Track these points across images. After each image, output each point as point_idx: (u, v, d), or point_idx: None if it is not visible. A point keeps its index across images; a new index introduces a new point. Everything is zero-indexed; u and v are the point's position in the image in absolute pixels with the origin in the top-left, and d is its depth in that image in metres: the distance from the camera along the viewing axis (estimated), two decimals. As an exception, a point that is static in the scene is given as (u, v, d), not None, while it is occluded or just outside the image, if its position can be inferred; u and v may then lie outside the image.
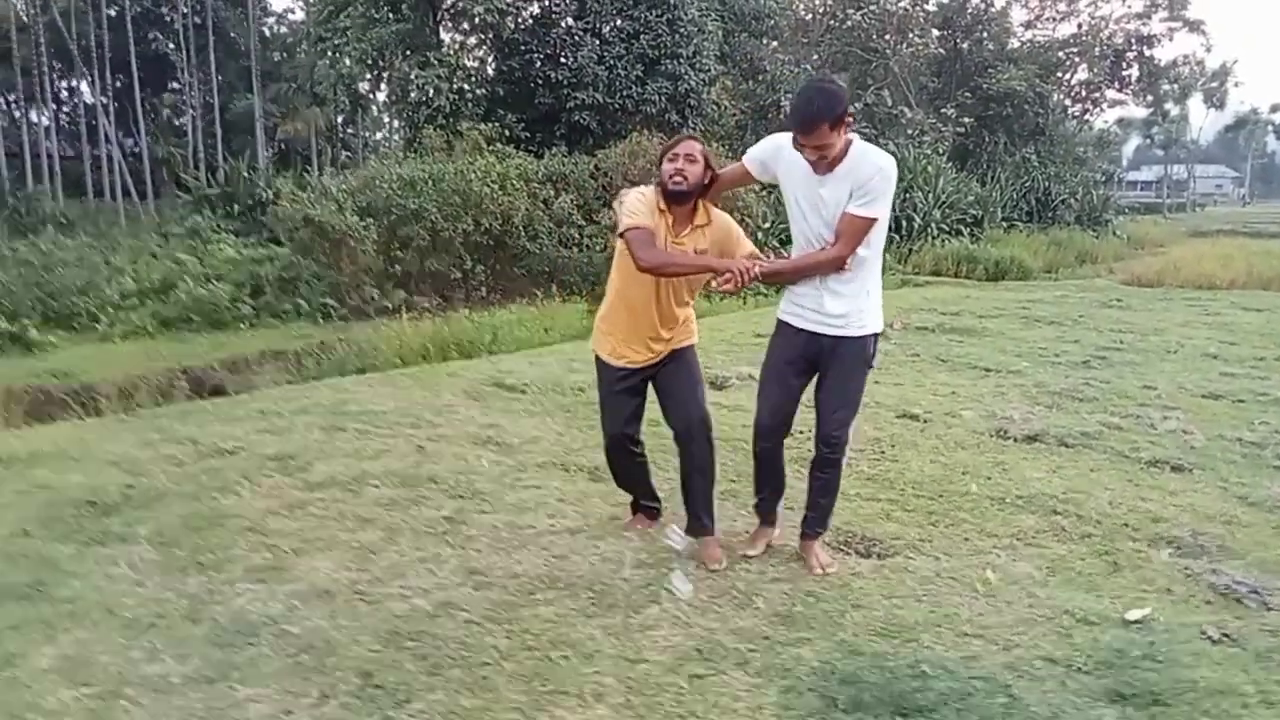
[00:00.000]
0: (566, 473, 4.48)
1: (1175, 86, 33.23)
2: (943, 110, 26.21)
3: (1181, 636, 2.88)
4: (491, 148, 15.02)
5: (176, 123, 36.12)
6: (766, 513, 3.60)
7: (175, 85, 36.05)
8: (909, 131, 23.80)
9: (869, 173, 3.03)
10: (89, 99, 33.85)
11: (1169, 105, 35.31)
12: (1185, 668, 2.68)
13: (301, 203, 12.42)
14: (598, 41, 17.34)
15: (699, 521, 3.49)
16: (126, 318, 11.30)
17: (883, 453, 4.70)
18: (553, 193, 14.47)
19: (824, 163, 3.03)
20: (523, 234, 13.76)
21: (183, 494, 4.06)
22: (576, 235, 14.40)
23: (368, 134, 37.32)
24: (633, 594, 3.16)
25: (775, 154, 3.24)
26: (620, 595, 3.15)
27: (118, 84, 33.32)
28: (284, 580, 3.23)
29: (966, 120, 26.65)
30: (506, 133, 16.60)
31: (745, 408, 5.83)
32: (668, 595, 3.15)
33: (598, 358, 3.51)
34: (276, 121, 32.16)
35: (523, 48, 18.02)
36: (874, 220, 3.06)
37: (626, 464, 3.64)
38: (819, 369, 3.30)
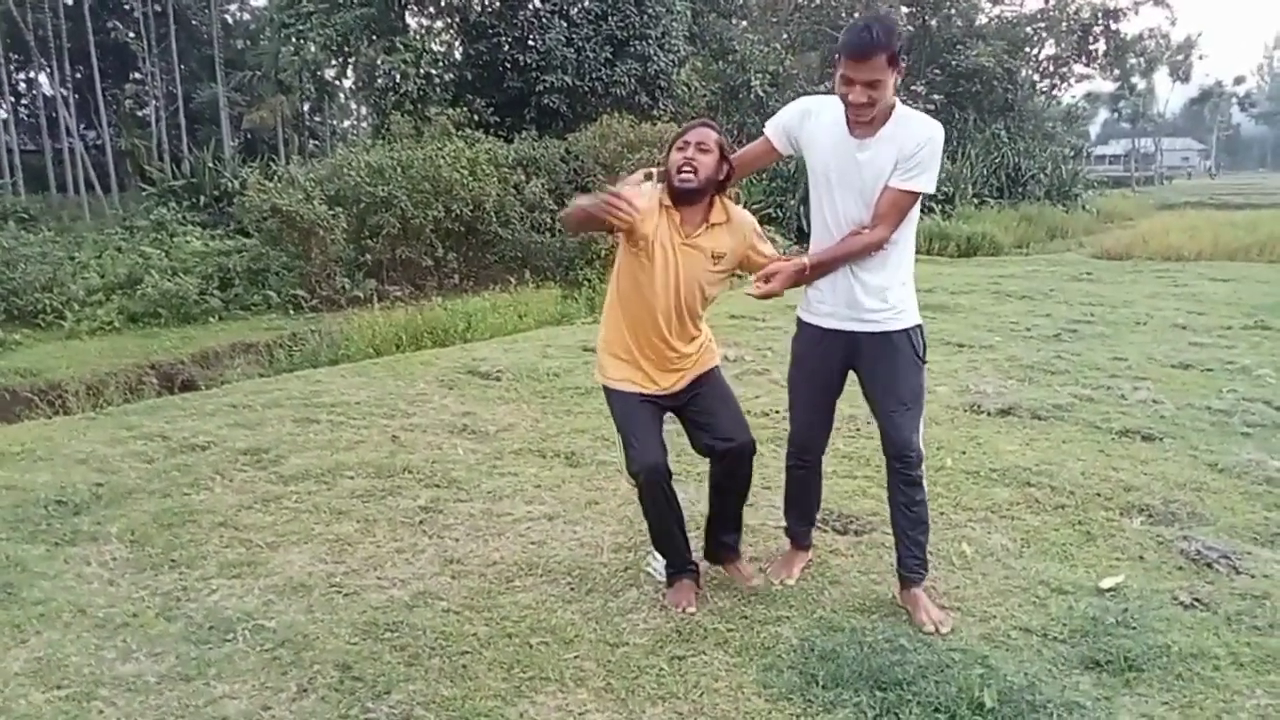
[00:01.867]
0: (543, 459, 4.47)
1: (1141, 60, 33.49)
2: (912, 88, 26.28)
3: (1154, 603, 2.92)
4: (460, 133, 14.87)
5: (139, 114, 35.45)
6: (798, 536, 3.21)
7: (137, 76, 35.35)
8: (879, 109, 23.80)
9: (917, 140, 2.63)
10: (48, 91, 33.10)
11: (1135, 79, 35.62)
12: (1158, 633, 2.72)
13: (269, 193, 12.21)
14: (565, 24, 17.19)
15: (732, 549, 3.13)
16: (93, 314, 11.10)
17: (858, 429, 4.72)
18: (523, 177, 14.35)
19: (868, 116, 2.60)
20: (494, 220, 13.64)
21: (154, 491, 4.01)
22: (549, 220, 14.30)
23: (335, 122, 36.86)
24: (611, 578, 3.16)
25: (801, 118, 2.82)
26: (599, 579, 3.15)
27: (77, 75, 32.64)
28: (259, 575, 3.20)
29: (936, 97, 26.73)
30: (475, 117, 16.44)
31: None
32: (646, 578, 3.15)
33: (605, 387, 2.95)
34: (242, 111, 31.67)
35: (490, 31, 17.83)
36: (919, 196, 2.69)
37: (666, 507, 2.90)
38: (860, 373, 2.88)
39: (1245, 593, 2.98)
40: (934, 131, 2.65)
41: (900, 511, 2.88)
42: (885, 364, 2.80)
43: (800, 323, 2.98)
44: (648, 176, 2.89)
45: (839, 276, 2.79)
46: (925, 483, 2.89)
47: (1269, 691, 2.44)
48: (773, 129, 2.88)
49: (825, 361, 2.90)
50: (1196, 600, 2.93)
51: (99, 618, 2.90)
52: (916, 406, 2.82)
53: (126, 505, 3.84)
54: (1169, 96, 64.00)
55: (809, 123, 2.79)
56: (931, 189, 2.68)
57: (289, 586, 3.10)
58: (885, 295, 2.77)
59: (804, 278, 2.78)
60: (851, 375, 2.93)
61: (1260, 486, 3.98)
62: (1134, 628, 2.76)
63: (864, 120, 2.62)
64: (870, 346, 2.80)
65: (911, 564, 2.87)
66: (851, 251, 2.74)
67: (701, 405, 2.96)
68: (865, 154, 2.67)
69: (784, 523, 3.26)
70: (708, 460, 3.01)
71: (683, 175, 2.74)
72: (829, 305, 2.84)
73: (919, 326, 2.83)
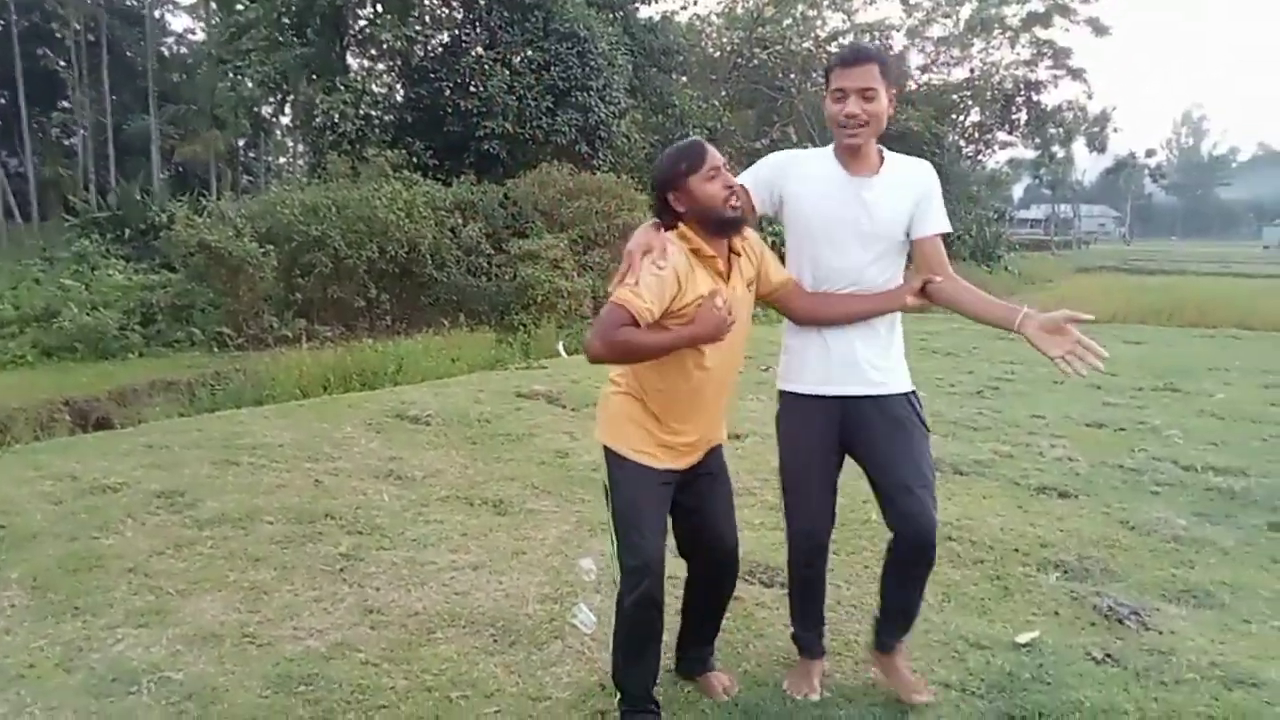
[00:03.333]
0: (470, 506, 4.41)
1: (1060, 130, 35.01)
2: (845, 147, 27.09)
3: (1068, 658, 2.99)
4: (398, 174, 14.80)
5: (66, 143, 34.56)
6: (809, 645, 2.77)
7: (65, 104, 34.47)
8: (813, 167, 24.46)
9: (924, 177, 2.49)
10: (-31, 116, 32.14)
11: (1055, 148, 37.21)
12: (1071, 688, 2.78)
13: (197, 227, 11.95)
14: (508, 72, 17.33)
15: (706, 663, 2.78)
16: (4, 346, 10.64)
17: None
18: (461, 221, 14.33)
19: (861, 136, 2.37)
20: (430, 262, 13.56)
21: (60, 534, 3.84)
22: (485, 264, 14.26)
23: (270, 158, 36.38)
24: (536, 629, 3.12)
25: (782, 169, 2.53)
26: (523, 631, 3.10)
27: (2, 100, 31.75)
28: (168, 624, 3.07)
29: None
30: (414, 160, 16.38)
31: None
32: (572, 630, 3.11)
33: (613, 453, 2.41)
34: (174, 144, 31.06)
35: (432, 75, 17.87)
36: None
37: (656, 620, 2.43)
38: (860, 450, 2.52)
39: (1153, 648, 3.07)
40: (929, 167, 2.55)
41: (904, 578, 2.55)
42: (895, 431, 2.47)
43: (786, 396, 2.60)
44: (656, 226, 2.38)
45: (832, 334, 2.49)
46: None
47: (1175, 746, 2.51)
48: (751, 183, 2.52)
49: (823, 437, 2.53)
50: (1108, 655, 3.01)
51: (-9, 669, 2.75)
52: (933, 482, 2.49)
53: (29, 549, 3.67)
54: (1086, 166, 66.98)
55: (793, 173, 2.52)
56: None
57: (199, 636, 2.98)
58: (888, 353, 2.54)
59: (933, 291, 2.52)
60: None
61: (1168, 544, 4.12)
62: (1049, 683, 2.81)
63: (857, 141, 2.38)
64: (873, 414, 2.49)
65: (891, 627, 2.65)
66: (981, 300, 2.55)
67: (702, 489, 2.51)
68: (872, 194, 2.43)
69: (786, 618, 2.90)
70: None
71: (733, 206, 2.32)
72: (820, 369, 2.51)
73: (914, 392, 2.59)
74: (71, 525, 3.94)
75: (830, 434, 2.52)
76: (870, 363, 2.49)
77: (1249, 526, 4.37)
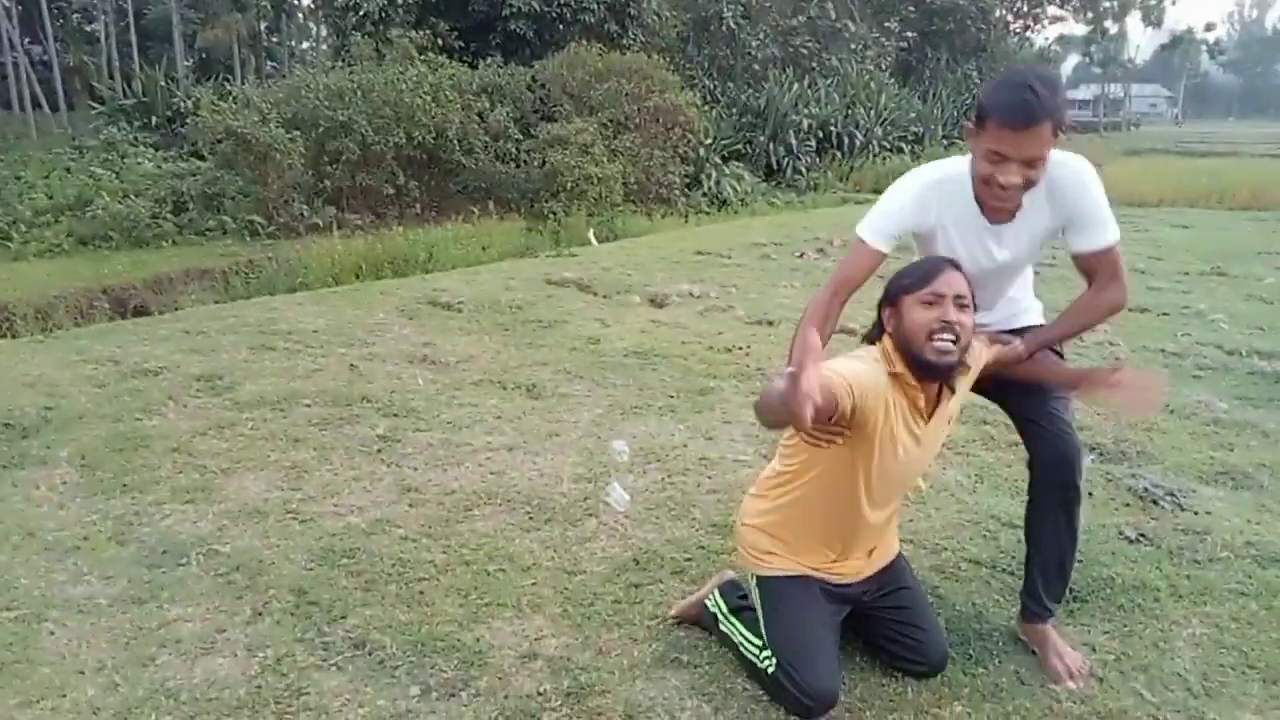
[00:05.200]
0: (504, 390, 4.44)
1: (1114, 3, 33.31)
2: (886, 24, 25.97)
3: (1100, 537, 2.99)
4: (423, 57, 14.42)
5: (88, 29, 33.97)
6: None
7: (84, -13, 33.82)
8: (852, 46, 23.56)
9: (1071, 195, 2.12)
10: (-11, 2, 31.62)
11: (1108, 23, 35.46)
12: (1103, 565, 2.79)
13: (223, 114, 11.79)
14: (534, -54, 16.68)
15: None
16: (40, 235, 10.75)
17: (819, 366, 4.74)
18: (488, 105, 14.02)
19: (1016, 202, 2.09)
20: (457, 148, 13.34)
21: (105, 415, 3.93)
22: (513, 150, 14.02)
23: (293, 42, 35.64)
24: (570, 507, 3.17)
25: (917, 218, 2.19)
26: (558, 509, 3.15)
27: (20, -15, 31.14)
28: (213, 501, 3.16)
29: (909, 35, 26.45)
30: (439, 41, 15.96)
31: (684, 324, 5.83)
32: (605, 508, 3.16)
33: (764, 578, 2.19)
34: (196, 28, 30.43)
35: (455, -49, 17.26)
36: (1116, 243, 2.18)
37: None
38: (996, 380, 2.30)
39: (1188, 528, 3.07)
40: (1080, 164, 2.13)
41: (1054, 536, 2.29)
42: (1033, 358, 2.27)
43: None
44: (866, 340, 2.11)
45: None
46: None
47: (1204, 621, 2.52)
48: (882, 238, 2.19)
49: None
50: (1141, 535, 3.01)
51: (49, 541, 2.85)
52: (1071, 404, 2.30)
53: (77, 429, 3.76)
54: (1140, 42, 63.99)
55: (929, 217, 2.18)
56: (1117, 233, 2.18)
57: (243, 512, 3.07)
58: (1022, 291, 2.41)
59: (1018, 362, 2.24)
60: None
61: (1208, 427, 4.07)
62: (1080, 560, 2.80)
63: (1008, 207, 2.11)
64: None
65: (1052, 598, 2.35)
66: (1087, 322, 2.30)
67: (899, 602, 2.22)
68: (1003, 242, 2.17)
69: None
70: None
71: (941, 344, 1.94)
72: None
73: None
74: (115, 407, 4.03)
75: None
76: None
77: (1292, 410, 4.30)
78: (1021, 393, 2.29)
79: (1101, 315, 2.27)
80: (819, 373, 1.69)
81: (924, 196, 2.19)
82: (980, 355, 2.17)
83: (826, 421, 1.94)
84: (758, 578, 2.21)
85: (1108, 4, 32.94)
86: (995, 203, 2.09)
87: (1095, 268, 2.19)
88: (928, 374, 1.99)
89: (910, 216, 2.19)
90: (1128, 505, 3.26)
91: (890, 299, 2.05)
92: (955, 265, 2.04)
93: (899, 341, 2.00)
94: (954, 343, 1.95)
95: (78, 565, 2.72)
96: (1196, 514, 3.18)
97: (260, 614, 2.48)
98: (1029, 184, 2.01)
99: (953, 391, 2.08)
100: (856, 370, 1.97)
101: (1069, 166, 2.11)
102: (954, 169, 2.19)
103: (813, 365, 1.64)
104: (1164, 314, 6.29)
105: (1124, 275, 2.19)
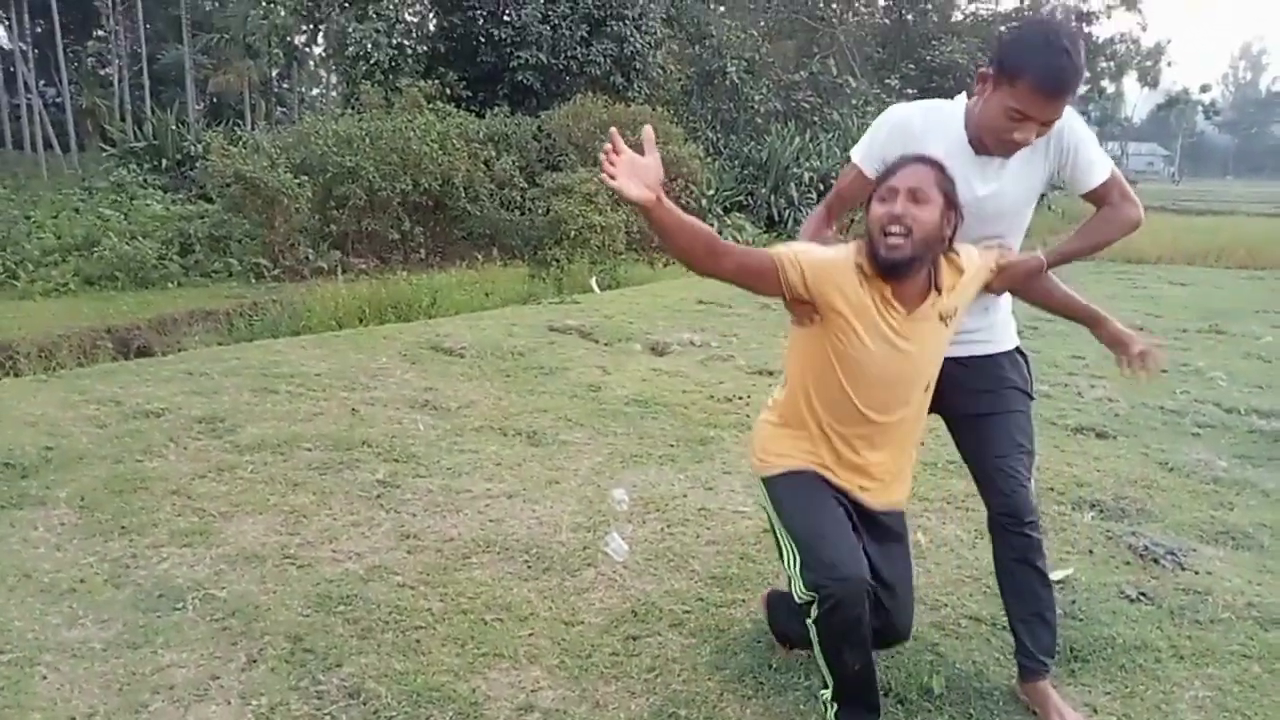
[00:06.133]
0: (504, 436, 4.45)
1: (1112, 64, 33.84)
2: (887, 81, 26.37)
3: (1101, 596, 2.98)
4: (431, 106, 14.66)
5: (101, 72, 34.56)
6: None
7: (100, 33, 34.43)
8: (853, 101, 23.87)
9: (1066, 135, 2.13)
10: (6, 44, 32.24)
11: (1105, 82, 36.01)
12: (1103, 625, 2.77)
13: (232, 158, 11.96)
14: (542, 0, 17.03)
15: None
16: (47, 274, 10.82)
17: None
18: (494, 153, 14.22)
19: (1015, 153, 2.11)
20: (463, 195, 13.50)
21: (105, 456, 3.93)
22: (518, 198, 14.19)
23: (303, 89, 36.21)
24: (569, 557, 3.15)
25: (900, 135, 2.18)
26: (556, 558, 3.14)
27: (38, 29, 31.78)
28: (211, 544, 3.15)
29: (910, 91, 26.78)
30: (447, 91, 16.24)
31: (685, 373, 5.85)
32: (604, 558, 3.15)
33: (769, 477, 2.17)
34: (208, 73, 30.97)
35: (465, 4, 17.60)
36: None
37: (865, 636, 2.03)
38: (953, 415, 2.34)
39: (1189, 588, 3.05)
40: (1069, 120, 2.10)
41: (1016, 580, 2.27)
42: (989, 395, 2.27)
43: None
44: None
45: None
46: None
47: (1206, 683, 2.50)
48: (865, 158, 2.23)
49: None
50: (1142, 594, 2.99)
51: (44, 583, 2.84)
52: (1032, 447, 2.27)
53: (76, 470, 3.76)
54: (1137, 101, 65.01)
55: (911, 144, 2.14)
56: (1110, 159, 2.21)
57: (241, 556, 3.06)
58: (989, 308, 2.29)
59: (1036, 278, 2.25)
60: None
61: (1208, 485, 4.07)
62: (1080, 619, 2.81)
63: (1011, 154, 2.12)
64: (971, 376, 2.27)
65: (1034, 646, 2.28)
66: (1106, 238, 2.26)
67: (881, 556, 2.13)
68: (1000, 181, 2.16)
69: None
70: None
71: (890, 239, 1.94)
72: None
73: (1021, 352, 2.38)
74: (116, 448, 4.03)
75: None
76: (969, 324, 2.22)
77: (1292, 470, 4.30)
78: (980, 441, 2.28)
79: (1121, 230, 2.24)
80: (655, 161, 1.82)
81: (910, 119, 2.21)
82: (975, 260, 2.14)
83: (800, 303, 2.03)
84: (765, 480, 2.18)
85: (1105, 64, 33.48)
86: (1000, 152, 2.10)
87: (1104, 196, 2.21)
88: (884, 269, 1.97)
89: (896, 139, 2.17)
90: (1128, 564, 3.25)
91: (868, 200, 2.07)
92: (926, 160, 2.00)
93: (867, 240, 2.02)
94: (904, 236, 1.93)
95: (73, 608, 2.71)
96: (1197, 573, 3.17)
97: (255, 661, 2.46)
98: (1034, 143, 2.05)
99: (938, 291, 2.04)
100: (813, 252, 2.03)
101: (1064, 117, 2.09)
102: (947, 103, 2.22)
103: (650, 152, 1.83)
104: (1163, 371, 6.29)
105: (1132, 193, 2.21)
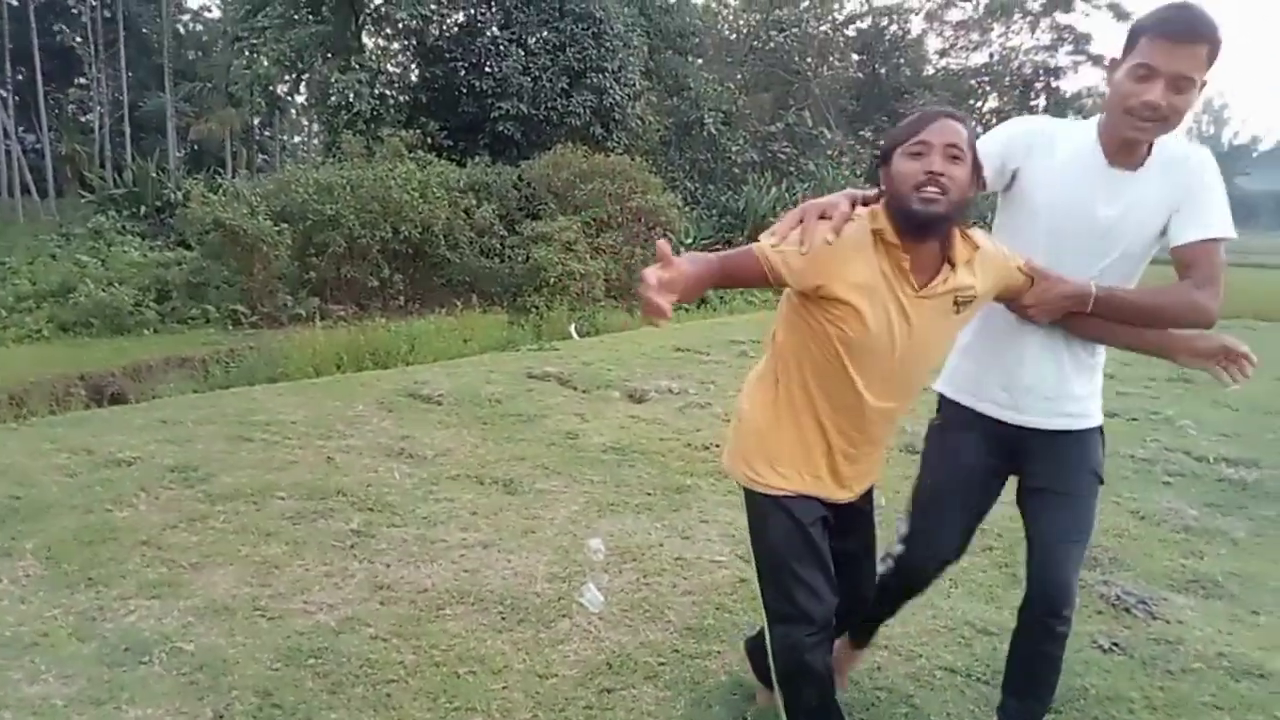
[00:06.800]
0: (480, 485, 4.43)
1: (1079, 117, 34.70)
2: (860, 132, 26.93)
3: (1074, 645, 2.97)
4: (413, 155, 14.80)
5: (82, 119, 34.61)
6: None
7: (81, 80, 34.51)
8: (828, 152, 24.32)
9: (1196, 168, 1.96)
10: (-13, 91, 32.22)
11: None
12: (1076, 675, 2.78)
13: (212, 205, 12.00)
14: (523, 52, 17.30)
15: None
16: (20, 320, 10.75)
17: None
18: (474, 202, 14.34)
19: (1151, 132, 1.89)
20: (443, 243, 13.58)
21: (74, 506, 3.88)
22: (498, 246, 14.29)
23: (285, 137, 36.42)
24: (544, 608, 3.13)
25: (1026, 138, 2.05)
26: (531, 609, 3.12)
27: (19, 76, 31.79)
28: (180, 596, 3.10)
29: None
30: (428, 140, 16.39)
31: (662, 420, 5.87)
32: (579, 609, 3.13)
33: (754, 494, 2.05)
34: (189, 121, 31.06)
35: (447, 55, 17.87)
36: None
37: (830, 682, 2.07)
38: (1029, 480, 2.20)
39: (1160, 638, 3.07)
40: (1206, 152, 1.98)
41: (1032, 667, 2.23)
42: (1063, 475, 2.13)
43: (952, 406, 2.25)
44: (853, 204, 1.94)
45: (1045, 347, 2.09)
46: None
47: (1179, 734, 2.51)
48: (986, 155, 1.95)
49: (991, 453, 2.20)
50: (1114, 644, 3.01)
51: (6, 636, 2.79)
52: (1087, 543, 2.16)
53: (45, 520, 3.71)
54: (1105, 154, 66.46)
55: (1036, 155, 2.04)
56: (1232, 232, 1.96)
57: (210, 609, 3.02)
58: (1093, 378, 2.14)
59: (1080, 309, 2.02)
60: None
61: (1178, 534, 4.11)
62: (1054, 669, 2.81)
63: (1144, 137, 1.92)
64: (1051, 447, 2.14)
65: (1024, 711, 2.27)
66: (1164, 306, 2.00)
67: (844, 542, 2.11)
68: (1130, 195, 1.97)
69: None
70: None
71: (926, 194, 1.77)
72: (1005, 388, 2.13)
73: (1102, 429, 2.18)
74: (86, 498, 3.98)
75: (997, 456, 2.21)
76: (1075, 393, 2.11)
77: (1260, 518, 4.36)
78: (1049, 522, 2.14)
79: (1184, 312, 1.98)
80: (684, 270, 1.70)
81: (1034, 126, 2.08)
82: (991, 248, 1.97)
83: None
84: (750, 492, 2.05)
85: (1073, 117, 34.40)
86: (1132, 132, 1.90)
87: (1193, 262, 1.95)
88: (913, 227, 1.80)
89: (1020, 141, 2.05)
90: (1100, 613, 3.27)
91: (884, 157, 1.88)
92: (956, 115, 1.82)
93: (890, 200, 1.84)
94: (940, 195, 1.76)
95: (35, 663, 2.65)
96: (1169, 623, 3.19)
97: (222, 716, 2.42)
98: (1172, 112, 1.85)
99: (952, 266, 1.87)
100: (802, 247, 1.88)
101: (1194, 147, 1.98)
102: (1069, 125, 2.09)
103: (686, 265, 1.71)
104: (1133, 419, 6.39)
105: (1221, 285, 1.94)
